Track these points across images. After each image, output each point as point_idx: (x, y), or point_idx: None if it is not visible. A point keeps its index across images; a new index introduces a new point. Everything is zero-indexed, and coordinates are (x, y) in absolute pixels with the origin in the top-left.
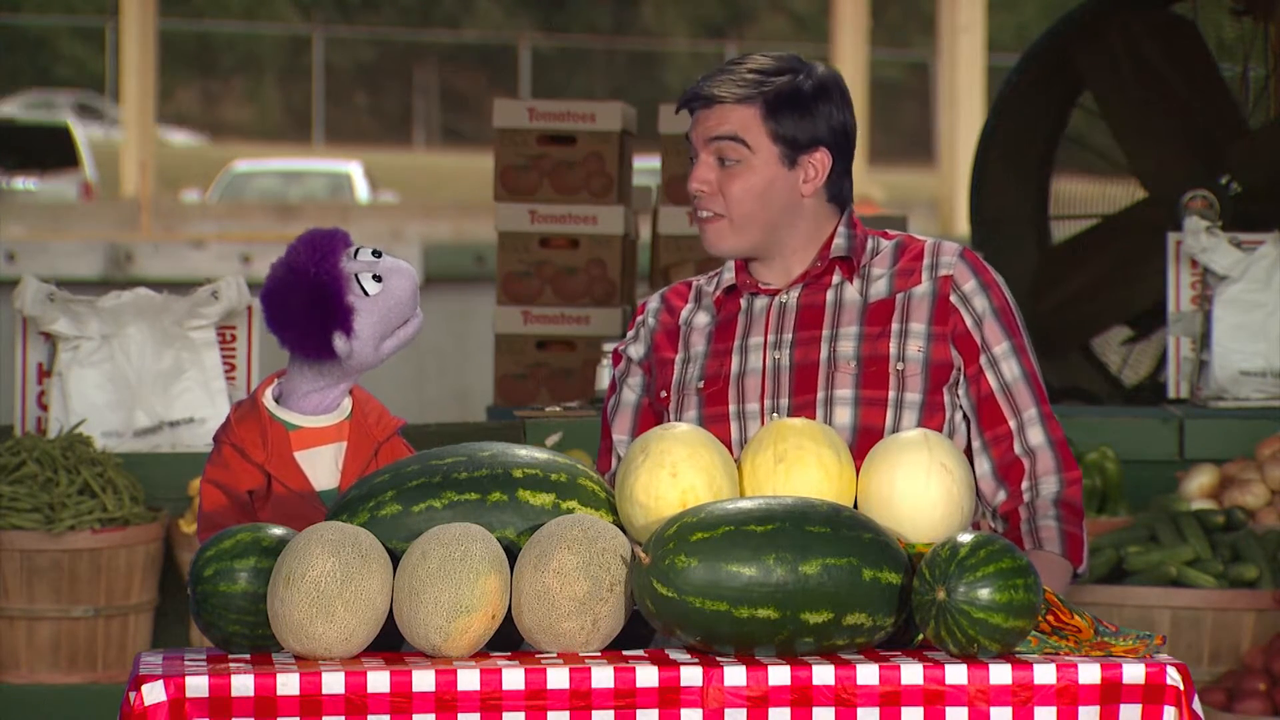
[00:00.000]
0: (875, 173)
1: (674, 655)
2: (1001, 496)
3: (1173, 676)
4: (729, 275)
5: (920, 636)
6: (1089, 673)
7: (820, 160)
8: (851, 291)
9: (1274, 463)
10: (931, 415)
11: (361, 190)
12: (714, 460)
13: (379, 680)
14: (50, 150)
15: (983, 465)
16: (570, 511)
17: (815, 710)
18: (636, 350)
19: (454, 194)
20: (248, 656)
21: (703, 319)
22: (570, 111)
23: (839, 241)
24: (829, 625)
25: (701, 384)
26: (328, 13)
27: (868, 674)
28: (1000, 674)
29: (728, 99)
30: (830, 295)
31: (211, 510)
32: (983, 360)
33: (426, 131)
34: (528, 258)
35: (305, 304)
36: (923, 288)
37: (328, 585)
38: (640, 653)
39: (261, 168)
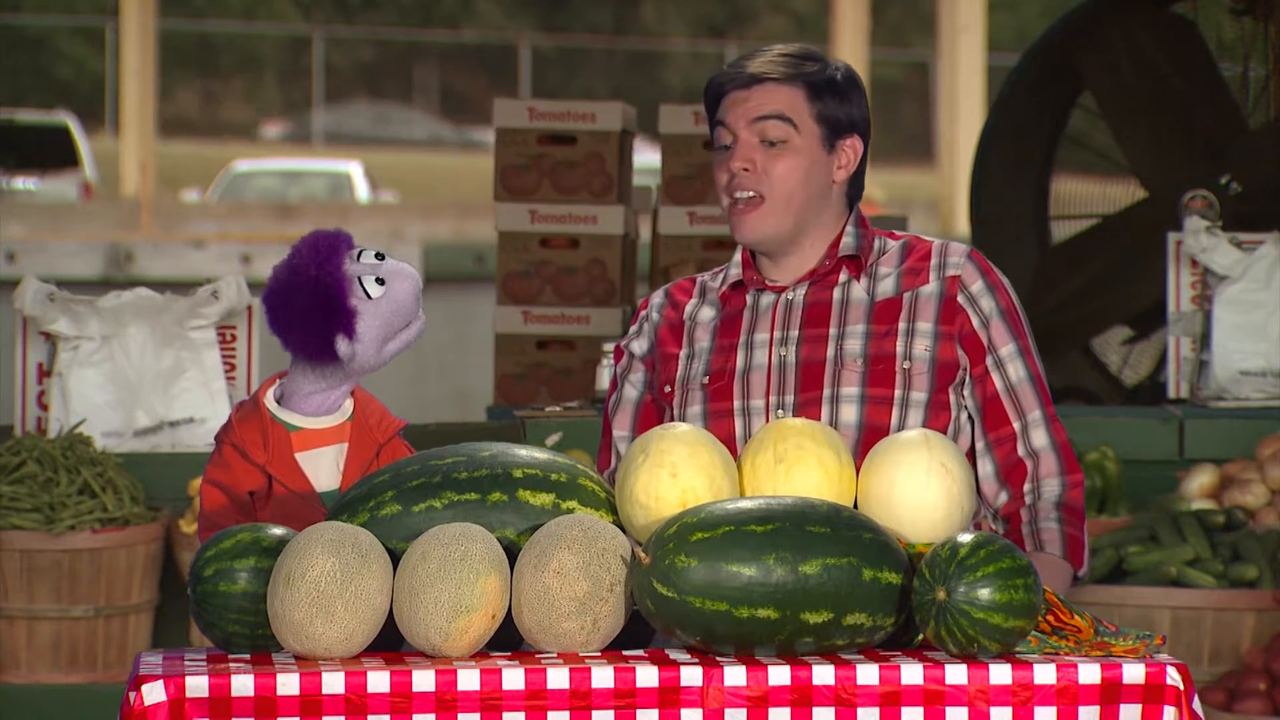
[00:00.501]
0: (875, 173)
1: (674, 655)
2: (1004, 498)
3: (1173, 676)
4: (735, 270)
5: (920, 636)
6: (1089, 673)
7: (854, 146)
8: (858, 290)
9: (1274, 463)
10: (937, 415)
11: (361, 190)
12: (714, 460)
13: (379, 680)
14: (50, 150)
15: (986, 466)
16: (570, 511)
17: (815, 710)
18: (640, 345)
19: (454, 194)
20: (248, 656)
21: (708, 314)
22: (570, 111)
23: (847, 240)
24: (829, 625)
25: (706, 379)
26: (328, 13)
27: (868, 674)
28: (1000, 674)
29: (776, 76)
30: (837, 293)
31: (212, 510)
32: (989, 361)
33: (426, 131)
34: (528, 258)
35: (308, 306)
36: (930, 287)
37: (328, 585)
38: (640, 653)
39: (261, 168)
